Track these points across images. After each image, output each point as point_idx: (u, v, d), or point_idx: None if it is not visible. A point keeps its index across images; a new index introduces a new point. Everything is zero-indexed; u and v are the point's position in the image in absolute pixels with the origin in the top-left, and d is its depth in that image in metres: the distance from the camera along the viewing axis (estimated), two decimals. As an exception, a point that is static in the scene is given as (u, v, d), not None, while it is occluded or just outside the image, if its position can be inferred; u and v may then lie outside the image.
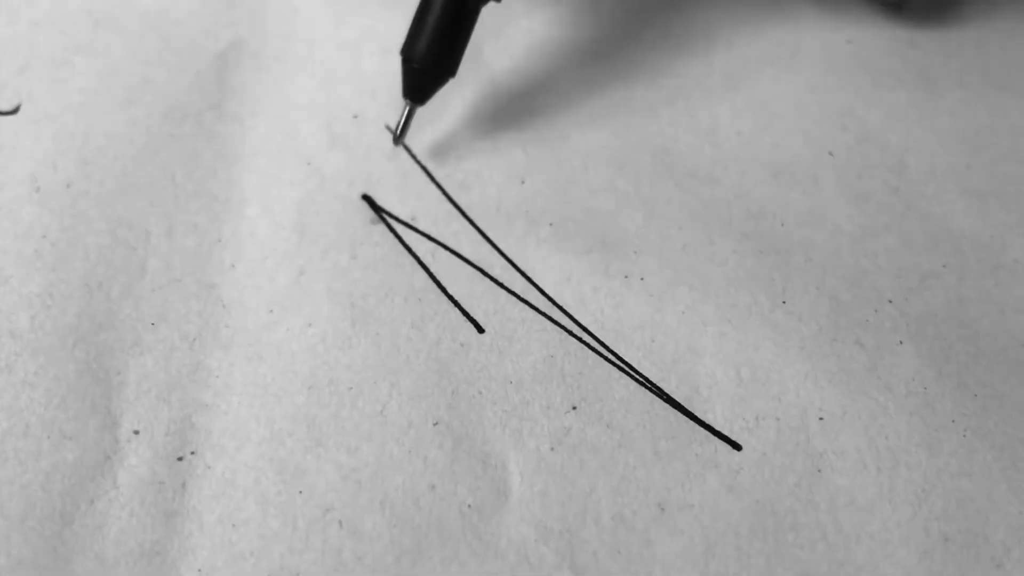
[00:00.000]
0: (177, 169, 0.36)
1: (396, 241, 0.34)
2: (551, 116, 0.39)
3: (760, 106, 0.39)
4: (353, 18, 0.41)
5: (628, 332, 0.32)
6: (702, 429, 0.30)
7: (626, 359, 0.32)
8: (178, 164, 0.36)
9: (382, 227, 0.35)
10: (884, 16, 0.43)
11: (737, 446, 0.30)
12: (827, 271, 0.34)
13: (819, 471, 0.29)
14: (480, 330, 0.32)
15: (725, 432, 0.30)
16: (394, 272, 0.34)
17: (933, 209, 0.36)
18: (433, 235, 0.35)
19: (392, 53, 0.39)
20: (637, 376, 0.31)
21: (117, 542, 0.28)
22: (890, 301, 0.33)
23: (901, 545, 0.28)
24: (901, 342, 0.32)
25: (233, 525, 0.28)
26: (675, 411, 0.31)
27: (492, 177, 0.36)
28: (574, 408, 0.31)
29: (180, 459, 0.29)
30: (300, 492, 0.29)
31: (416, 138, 0.37)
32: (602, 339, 0.32)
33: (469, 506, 0.29)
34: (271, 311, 0.32)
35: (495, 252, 0.34)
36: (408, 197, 0.36)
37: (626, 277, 0.34)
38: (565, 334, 0.32)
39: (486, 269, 0.34)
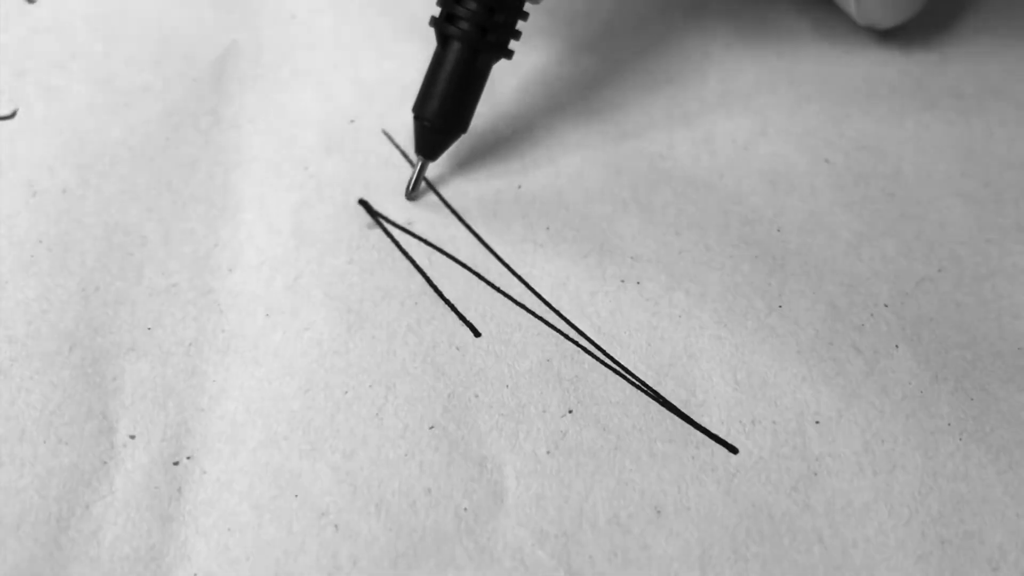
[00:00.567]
0: (174, 175, 0.36)
1: (393, 245, 0.34)
2: (548, 122, 0.39)
3: (756, 114, 0.39)
4: (350, 25, 0.41)
5: (624, 336, 0.32)
6: (698, 432, 0.30)
7: (622, 363, 0.32)
8: (175, 170, 0.36)
9: (379, 232, 0.35)
10: (876, 35, 0.43)
11: (734, 449, 0.30)
12: (823, 276, 0.34)
13: (815, 474, 0.29)
14: (476, 334, 0.32)
15: (722, 435, 0.30)
16: (390, 276, 0.34)
17: (929, 215, 0.36)
18: (430, 239, 0.35)
19: (389, 59, 0.40)
20: (633, 380, 0.31)
21: (113, 547, 0.28)
22: (886, 306, 0.33)
23: (898, 548, 0.28)
24: (897, 346, 0.32)
25: (229, 530, 0.28)
26: (671, 414, 0.31)
27: (489, 182, 0.37)
28: (570, 411, 0.31)
29: (176, 464, 0.29)
30: (296, 496, 0.29)
31: (412, 143, 0.37)
32: (599, 343, 0.32)
33: (465, 509, 0.29)
34: (268, 315, 0.32)
35: (492, 256, 0.34)
36: (405, 202, 0.36)
37: (623, 282, 0.34)
38: (561, 338, 0.32)
39: (483, 273, 0.34)
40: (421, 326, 0.32)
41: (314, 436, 0.30)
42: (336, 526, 0.28)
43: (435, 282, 0.34)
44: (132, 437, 0.30)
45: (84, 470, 0.29)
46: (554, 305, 0.33)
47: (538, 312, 0.33)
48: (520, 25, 0.36)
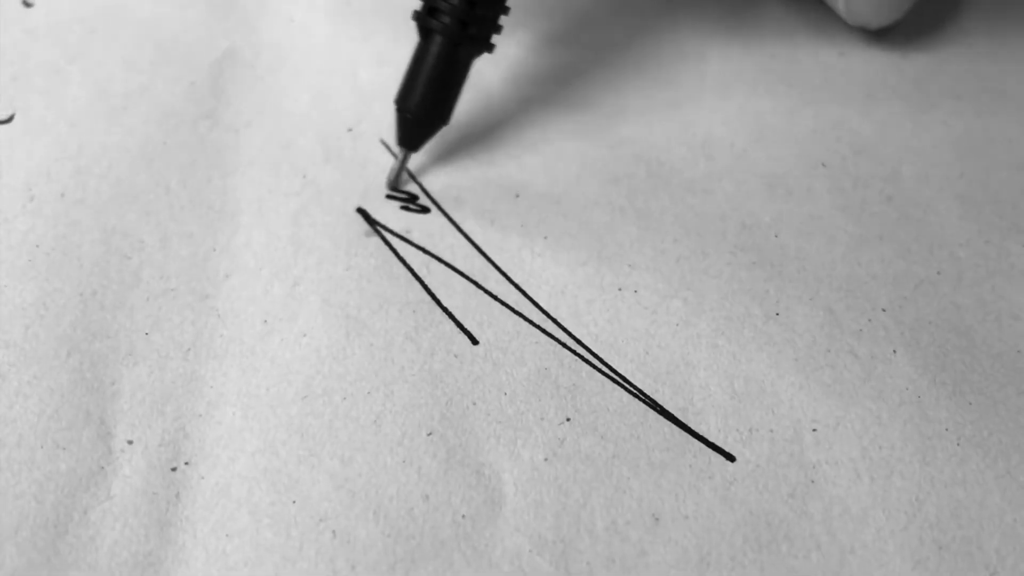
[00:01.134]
0: (172, 178, 0.36)
1: (391, 253, 0.34)
2: (545, 130, 0.39)
3: (754, 118, 0.39)
4: (348, 30, 0.41)
5: (622, 344, 0.32)
6: (696, 440, 0.30)
7: (620, 371, 0.32)
8: (173, 173, 0.36)
9: (377, 240, 0.35)
10: (872, 36, 0.43)
11: (731, 457, 0.30)
12: (821, 281, 0.34)
13: (813, 482, 0.29)
14: (474, 342, 0.32)
15: (719, 443, 0.30)
16: (389, 284, 0.34)
17: (927, 217, 0.36)
18: (427, 248, 0.35)
19: (388, 65, 0.40)
20: (631, 388, 0.31)
21: (111, 553, 0.28)
22: (884, 310, 0.33)
23: (895, 554, 0.28)
24: (895, 351, 0.32)
25: (227, 535, 0.28)
26: (669, 422, 0.31)
27: (486, 191, 0.36)
28: (568, 419, 0.31)
29: (174, 469, 0.29)
30: (294, 502, 0.29)
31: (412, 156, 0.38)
32: (596, 351, 0.32)
33: (463, 516, 0.29)
34: (265, 321, 0.32)
35: (489, 265, 0.34)
36: (403, 211, 0.36)
37: (620, 290, 0.34)
38: (559, 346, 0.32)
39: (480, 282, 0.34)
40: (419, 334, 0.32)
41: (312, 442, 0.30)
42: (334, 532, 0.28)
43: (433, 290, 0.34)
44: (130, 442, 0.30)
45: (82, 475, 0.29)
46: (552, 313, 0.33)
47: (536, 320, 0.33)
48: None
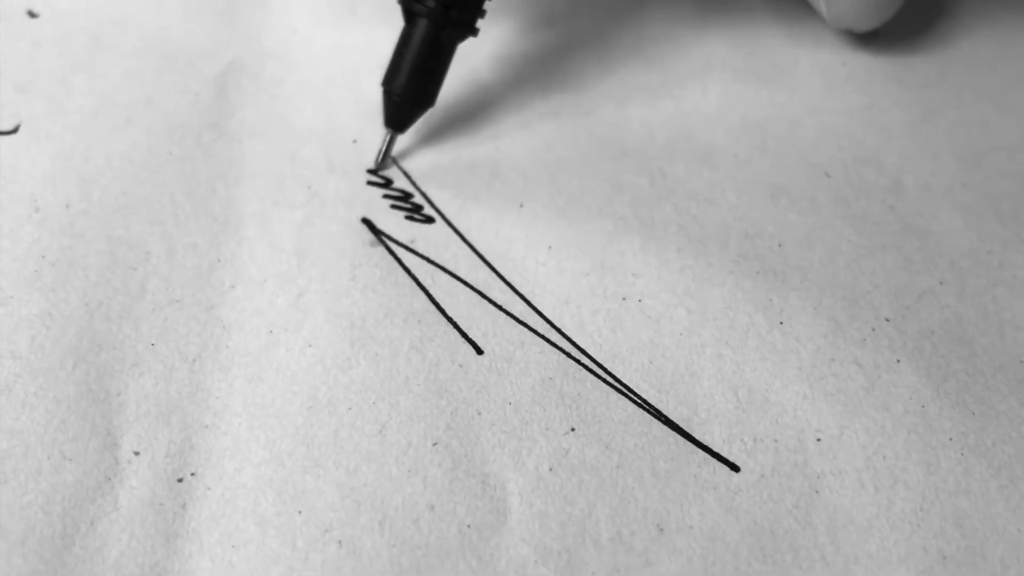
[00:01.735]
0: (176, 189, 0.36)
1: (395, 263, 0.35)
2: (548, 140, 0.39)
3: (756, 128, 0.40)
4: (352, 40, 0.41)
5: (626, 354, 0.32)
6: (700, 450, 0.30)
7: (624, 381, 0.32)
8: (177, 184, 0.36)
9: (381, 250, 0.35)
10: (874, 46, 0.43)
11: (735, 467, 0.30)
12: (824, 291, 0.34)
13: (817, 492, 0.29)
14: (479, 351, 0.32)
15: (723, 453, 0.30)
16: (393, 294, 0.34)
17: (930, 227, 0.36)
18: (432, 258, 0.35)
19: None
20: (635, 398, 0.31)
21: (118, 564, 0.28)
22: (887, 320, 0.33)
23: (900, 564, 0.28)
24: (899, 360, 0.32)
25: (233, 546, 0.28)
26: (673, 432, 0.31)
27: (490, 201, 0.37)
28: (573, 429, 0.31)
29: (180, 480, 0.29)
30: (299, 512, 0.29)
31: (415, 163, 0.38)
32: (600, 361, 0.32)
33: (468, 526, 0.29)
34: (271, 332, 0.32)
35: (494, 275, 0.34)
36: (407, 221, 0.36)
37: (624, 299, 0.34)
38: (563, 356, 0.32)
39: (485, 291, 0.34)
40: (424, 343, 0.32)
41: (318, 452, 0.30)
42: (340, 542, 0.28)
43: (438, 300, 0.34)
44: (136, 453, 0.30)
45: (88, 487, 0.29)
46: (556, 323, 0.33)
47: (540, 330, 0.33)
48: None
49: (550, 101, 0.40)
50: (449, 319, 0.33)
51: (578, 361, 0.32)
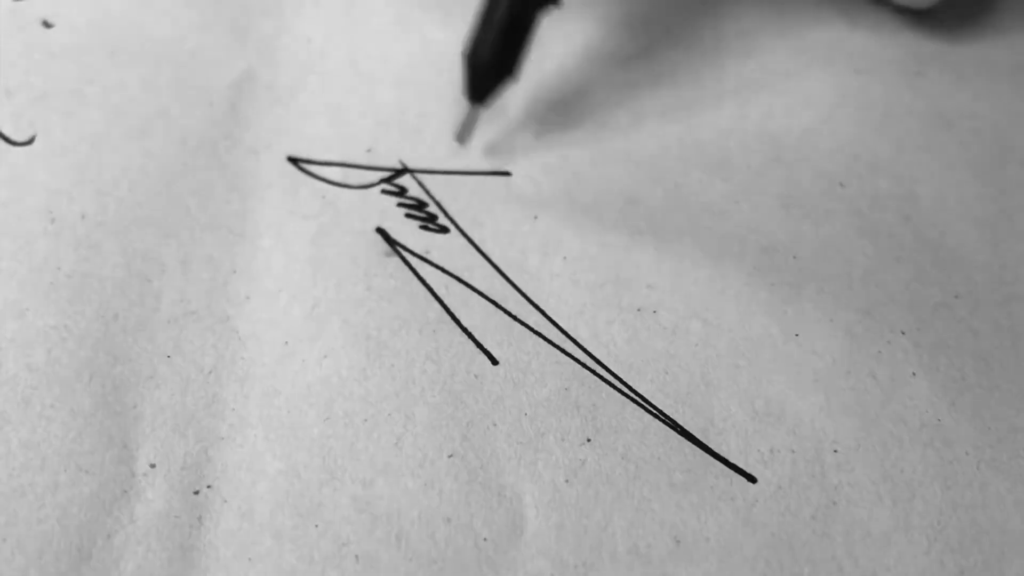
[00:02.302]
0: (191, 200, 0.36)
1: (410, 274, 0.35)
2: (563, 153, 0.39)
3: (770, 139, 0.39)
4: (367, 50, 0.41)
5: (642, 365, 0.32)
6: (717, 462, 0.30)
7: (640, 391, 0.32)
8: (192, 195, 0.36)
9: (396, 260, 0.35)
10: (891, 57, 0.43)
11: (752, 479, 0.30)
12: (839, 303, 0.34)
13: (834, 504, 0.29)
14: (494, 362, 0.32)
15: (740, 464, 0.30)
16: (408, 304, 0.34)
17: (945, 240, 0.36)
18: (447, 268, 0.35)
19: (407, 86, 0.40)
20: (651, 408, 0.31)
21: (134, 577, 0.28)
22: (903, 332, 0.33)
23: (917, 578, 0.28)
24: (914, 374, 0.32)
25: (249, 559, 0.28)
26: (690, 443, 0.31)
27: (505, 213, 0.37)
28: (589, 440, 0.31)
29: (196, 493, 0.29)
30: (316, 526, 0.29)
31: (430, 175, 0.38)
32: (616, 371, 0.32)
33: (485, 539, 0.29)
34: (286, 343, 0.32)
35: (509, 285, 0.34)
36: (422, 231, 0.36)
37: (639, 310, 0.34)
38: (579, 366, 0.32)
39: (500, 301, 0.34)
40: (439, 354, 0.32)
41: (334, 465, 0.30)
42: (356, 556, 0.28)
43: (453, 310, 0.34)
44: (152, 466, 0.30)
45: (105, 500, 0.29)
46: (571, 333, 0.33)
47: (555, 340, 0.33)
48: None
49: (564, 114, 0.40)
50: (464, 329, 0.33)
51: (594, 371, 0.32)
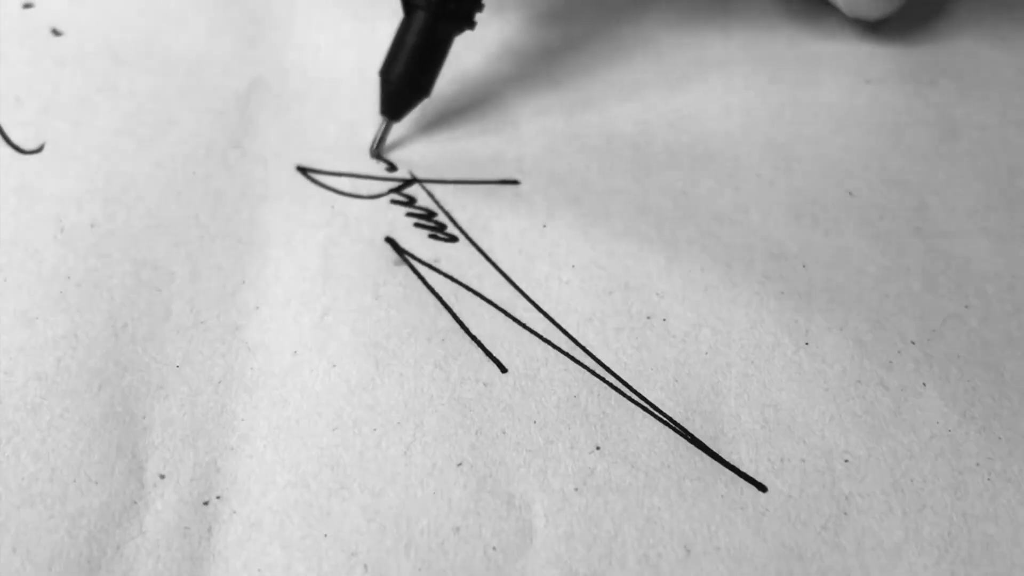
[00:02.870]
0: (201, 209, 0.36)
1: (419, 282, 0.35)
2: (571, 162, 0.39)
3: (780, 148, 0.39)
4: (375, 58, 0.41)
5: (651, 373, 0.32)
6: (727, 470, 0.30)
7: (650, 399, 0.32)
8: (202, 204, 0.36)
9: (405, 269, 0.35)
10: (899, 65, 0.43)
11: (762, 487, 0.30)
12: (850, 312, 0.34)
13: (845, 514, 0.29)
14: (503, 370, 0.32)
15: (750, 473, 0.30)
16: (417, 313, 0.34)
17: (955, 250, 0.36)
18: (456, 276, 0.35)
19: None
20: (661, 416, 0.31)
21: (144, 587, 0.28)
22: (913, 342, 0.33)
23: (928, 589, 0.28)
24: (925, 384, 0.32)
25: (259, 570, 0.28)
26: (700, 452, 0.31)
27: (514, 222, 0.37)
28: (598, 448, 0.31)
29: (206, 503, 0.29)
30: (325, 535, 0.29)
31: (439, 184, 0.38)
32: (625, 379, 0.32)
33: (494, 548, 0.29)
34: (295, 352, 0.32)
35: (518, 293, 0.34)
36: (430, 240, 0.36)
37: (648, 318, 0.34)
38: (588, 374, 0.32)
39: (509, 310, 0.34)
40: (448, 362, 0.32)
41: (343, 475, 0.30)
42: (366, 566, 0.28)
43: (461, 318, 0.34)
44: (162, 476, 0.30)
45: (115, 510, 0.29)
46: (580, 341, 0.33)
47: (564, 348, 0.33)
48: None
49: (573, 123, 0.40)
50: (473, 338, 0.33)
51: (603, 379, 0.32)
